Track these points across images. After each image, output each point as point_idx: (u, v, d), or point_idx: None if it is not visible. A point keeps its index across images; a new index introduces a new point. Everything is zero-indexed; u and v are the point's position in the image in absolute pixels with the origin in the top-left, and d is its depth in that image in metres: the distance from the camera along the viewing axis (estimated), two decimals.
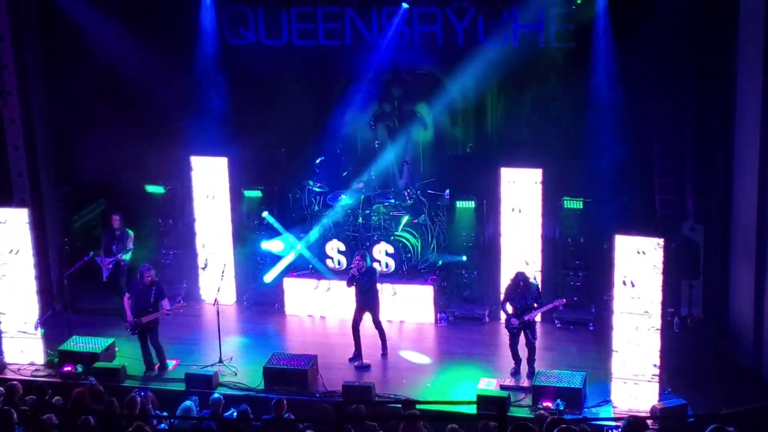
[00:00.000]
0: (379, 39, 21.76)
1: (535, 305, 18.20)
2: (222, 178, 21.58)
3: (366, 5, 21.52)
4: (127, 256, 20.98)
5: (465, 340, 20.12)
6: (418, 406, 16.52)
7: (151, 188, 22.10)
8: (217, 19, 22.15)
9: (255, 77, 22.34)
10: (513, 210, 20.16)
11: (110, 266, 20.90)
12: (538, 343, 18.59)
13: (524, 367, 18.44)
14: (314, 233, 21.66)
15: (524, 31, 20.96)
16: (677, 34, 18.63)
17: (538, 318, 18.84)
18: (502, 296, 18.78)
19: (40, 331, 19.49)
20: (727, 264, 18.86)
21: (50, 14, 21.30)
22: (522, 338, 18.40)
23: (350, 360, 19.27)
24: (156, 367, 19.02)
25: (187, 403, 16.13)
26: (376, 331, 19.40)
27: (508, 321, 18.34)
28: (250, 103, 22.47)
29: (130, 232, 21.13)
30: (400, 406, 17.12)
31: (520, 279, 18.27)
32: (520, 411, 17.29)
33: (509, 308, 18.29)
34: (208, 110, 22.25)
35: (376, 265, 20.34)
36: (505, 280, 19.97)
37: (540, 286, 19.01)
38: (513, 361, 18.54)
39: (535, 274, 19.64)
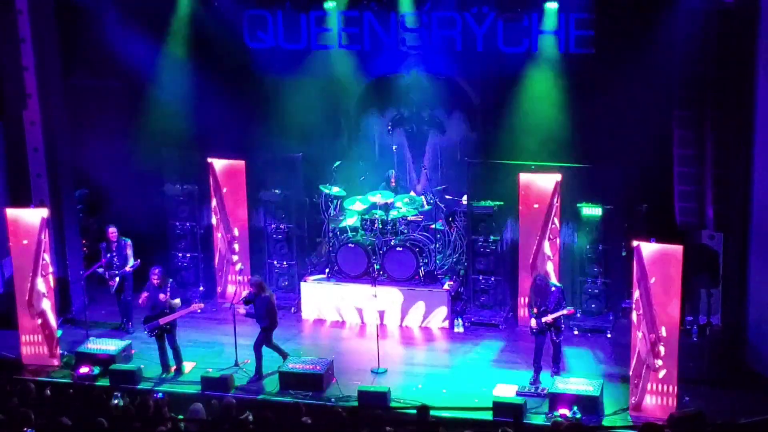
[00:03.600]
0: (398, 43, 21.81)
1: (550, 309, 18.21)
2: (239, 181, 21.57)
3: (385, 10, 21.52)
4: (130, 263, 20.85)
5: (481, 346, 20.08)
6: (433, 412, 16.49)
7: (170, 190, 22.08)
8: (236, 23, 22.18)
9: (273, 81, 22.36)
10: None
11: (116, 280, 20.81)
12: None
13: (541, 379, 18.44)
14: None
15: (544, 37, 20.92)
16: (697, 41, 18.55)
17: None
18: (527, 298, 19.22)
19: (57, 332, 19.56)
20: (746, 272, 18.76)
21: (70, 17, 21.34)
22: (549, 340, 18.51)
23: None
24: (173, 369, 19.03)
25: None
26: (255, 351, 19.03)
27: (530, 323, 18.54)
28: (268, 106, 22.49)
29: (128, 240, 20.92)
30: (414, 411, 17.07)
31: (538, 281, 18.43)
32: (537, 418, 17.25)
33: (534, 310, 18.47)
34: (226, 113, 22.29)
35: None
36: (523, 287, 20.13)
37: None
38: (532, 366, 18.52)
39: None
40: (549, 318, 18.15)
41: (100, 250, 21.03)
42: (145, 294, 19.07)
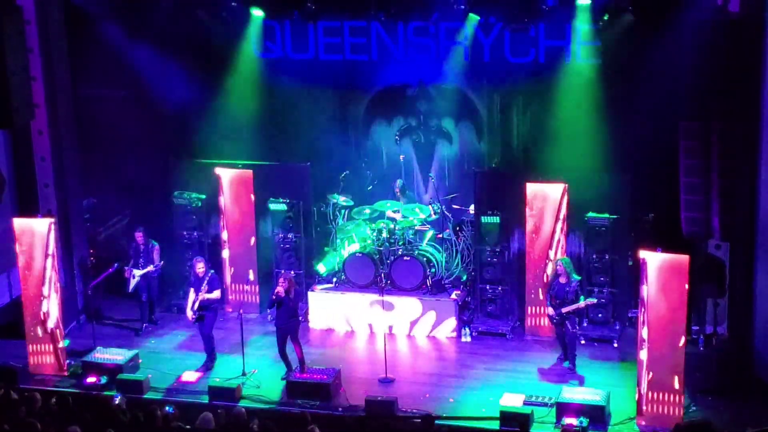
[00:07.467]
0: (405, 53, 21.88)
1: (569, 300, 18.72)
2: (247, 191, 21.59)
3: (392, 20, 21.57)
4: (151, 267, 20.99)
5: (488, 355, 20.07)
6: (440, 422, 16.50)
7: (177, 200, 22.10)
8: (244, 33, 22.23)
9: (281, 91, 22.43)
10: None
11: (138, 279, 20.93)
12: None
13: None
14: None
15: (551, 47, 20.97)
16: (703, 52, 18.58)
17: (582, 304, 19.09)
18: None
19: (64, 341, 19.61)
20: (753, 282, 18.77)
21: (79, 27, 21.40)
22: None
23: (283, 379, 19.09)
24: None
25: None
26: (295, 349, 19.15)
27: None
28: (276, 116, 22.57)
29: (156, 244, 21.16)
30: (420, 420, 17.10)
31: (557, 270, 18.92)
32: (544, 428, 17.26)
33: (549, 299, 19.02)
34: (234, 122, 22.36)
35: None
36: (530, 297, 20.16)
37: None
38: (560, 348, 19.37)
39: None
40: (569, 309, 18.67)
41: (129, 253, 21.32)
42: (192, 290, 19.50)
